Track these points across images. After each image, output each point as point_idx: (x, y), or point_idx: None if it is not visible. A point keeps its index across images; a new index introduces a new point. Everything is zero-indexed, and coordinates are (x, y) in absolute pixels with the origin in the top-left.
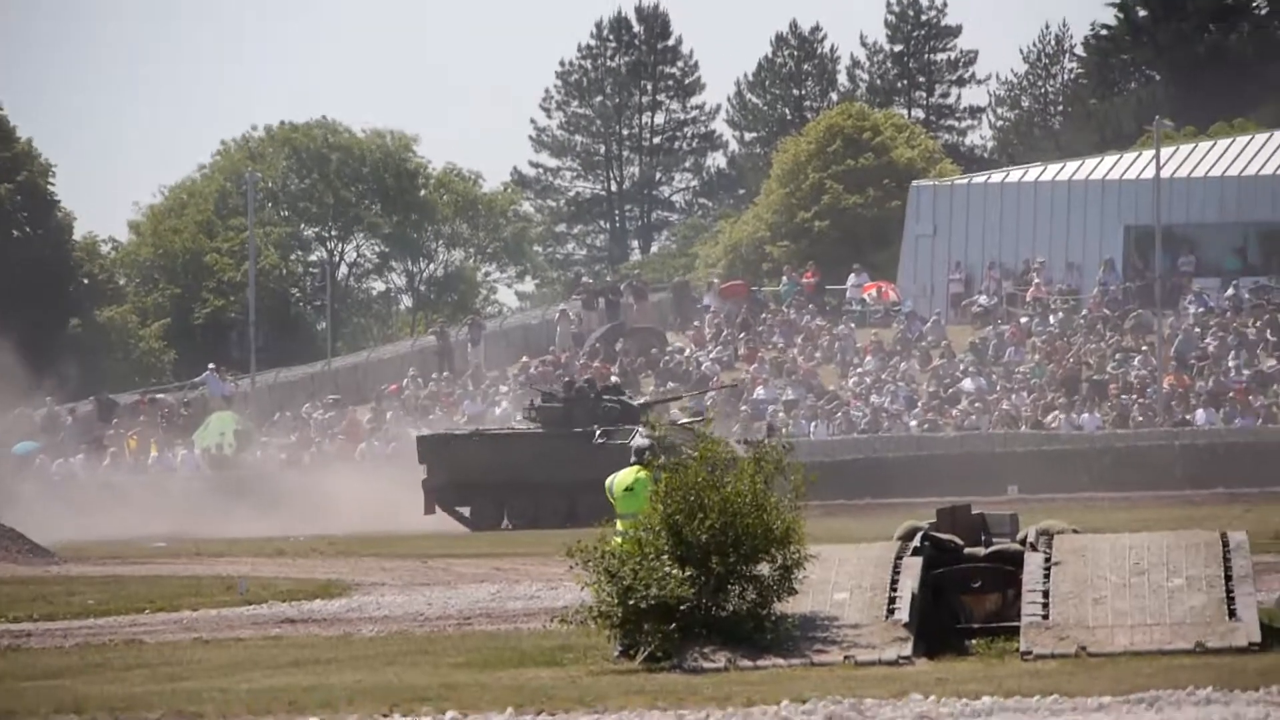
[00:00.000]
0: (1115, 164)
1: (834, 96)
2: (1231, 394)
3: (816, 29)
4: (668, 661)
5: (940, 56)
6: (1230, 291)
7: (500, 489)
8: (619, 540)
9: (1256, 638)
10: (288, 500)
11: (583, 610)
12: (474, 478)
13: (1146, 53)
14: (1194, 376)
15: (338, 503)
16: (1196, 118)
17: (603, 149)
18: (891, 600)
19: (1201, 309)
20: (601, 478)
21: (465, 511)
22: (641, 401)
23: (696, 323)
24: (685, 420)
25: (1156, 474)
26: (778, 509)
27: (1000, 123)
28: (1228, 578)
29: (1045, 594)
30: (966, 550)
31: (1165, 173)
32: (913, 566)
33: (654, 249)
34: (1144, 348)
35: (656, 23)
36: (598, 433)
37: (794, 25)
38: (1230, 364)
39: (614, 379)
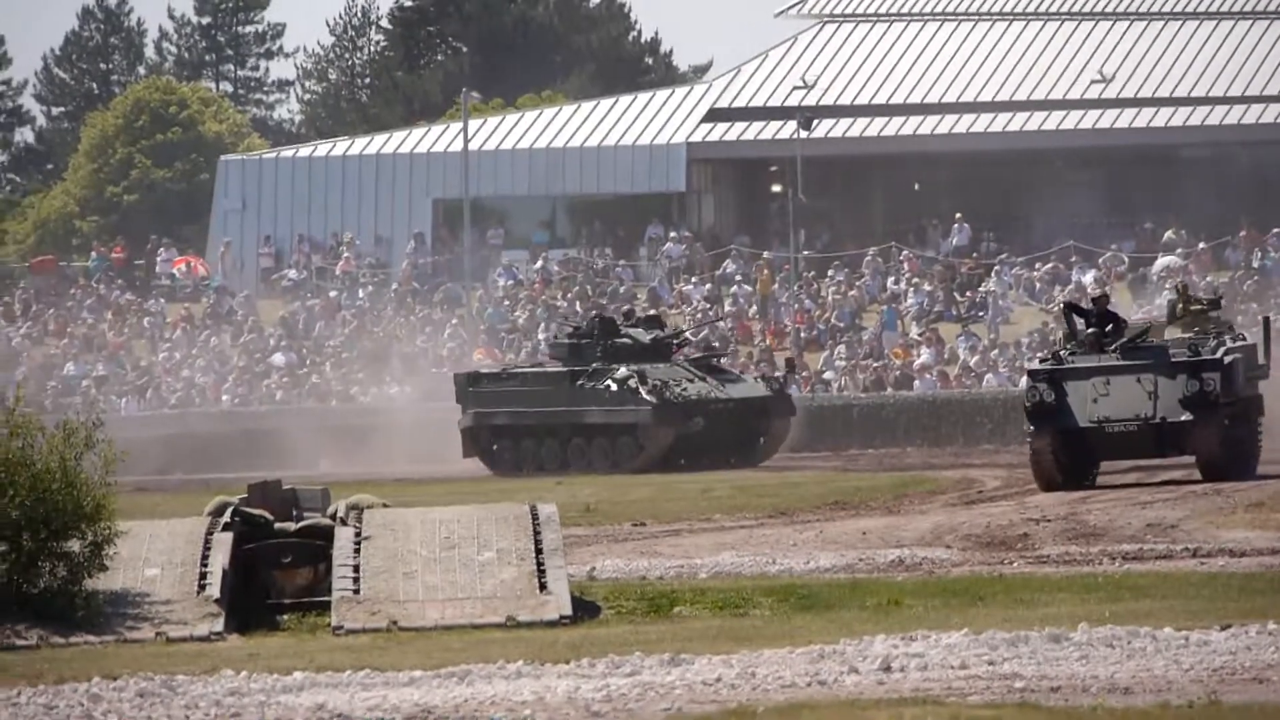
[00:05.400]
0: (423, 137)
1: (142, 70)
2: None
3: (123, 2)
4: None
5: (248, 29)
6: (539, 264)
7: (516, 431)
8: None
9: (568, 610)
10: None
11: None
12: (496, 419)
13: (453, 24)
14: (504, 350)
15: None
16: (504, 90)
17: None
18: (203, 576)
19: (511, 281)
20: (580, 421)
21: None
22: (652, 337)
23: (6, 298)
24: (699, 355)
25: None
26: (88, 485)
27: (308, 96)
28: (539, 551)
29: (356, 569)
30: (277, 525)
31: (474, 145)
32: (223, 542)
33: None
34: (454, 321)
35: None
36: (590, 371)
37: None
38: (540, 336)
39: (653, 312)
